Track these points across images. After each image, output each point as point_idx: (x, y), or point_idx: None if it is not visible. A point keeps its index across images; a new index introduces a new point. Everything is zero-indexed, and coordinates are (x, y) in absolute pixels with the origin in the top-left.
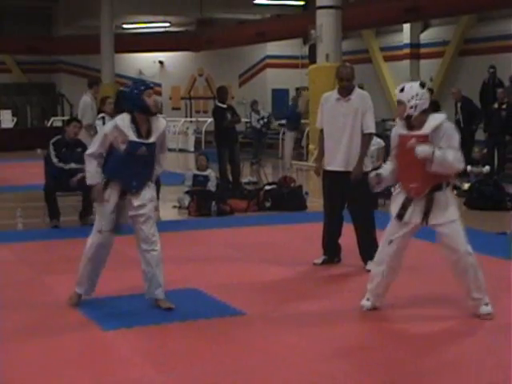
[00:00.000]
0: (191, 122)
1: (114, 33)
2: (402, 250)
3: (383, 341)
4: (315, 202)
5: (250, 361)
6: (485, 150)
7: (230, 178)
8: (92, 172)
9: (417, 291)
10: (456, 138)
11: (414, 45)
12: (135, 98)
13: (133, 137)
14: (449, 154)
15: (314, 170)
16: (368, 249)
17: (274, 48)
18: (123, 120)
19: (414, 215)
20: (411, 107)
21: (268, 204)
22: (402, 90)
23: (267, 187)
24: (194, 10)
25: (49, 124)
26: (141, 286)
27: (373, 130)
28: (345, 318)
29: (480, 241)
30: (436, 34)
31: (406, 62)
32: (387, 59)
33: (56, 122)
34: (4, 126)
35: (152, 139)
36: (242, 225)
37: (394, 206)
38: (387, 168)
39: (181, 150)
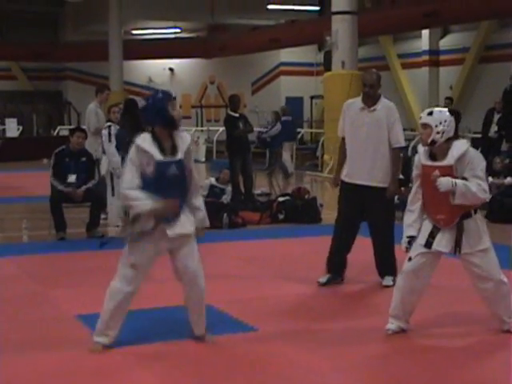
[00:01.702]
0: (202, 131)
1: (122, 39)
2: (424, 272)
3: (404, 360)
4: (330, 214)
5: (262, 379)
6: (507, 161)
7: (242, 189)
8: (142, 197)
9: (440, 310)
10: (481, 166)
11: (433, 51)
12: (160, 110)
13: (158, 156)
14: (472, 185)
15: (332, 180)
16: (387, 263)
17: (288, 55)
18: (144, 139)
19: (441, 244)
20: (438, 132)
21: (281, 216)
22: (430, 114)
23: (280, 199)
24: (205, 16)
25: (55, 133)
26: (152, 301)
27: (403, 143)
28: (361, 336)
29: (502, 255)
30: (456, 40)
31: (425, 70)
32: (405, 66)
33: (62, 130)
34: (9, 134)
35: (179, 155)
36: (255, 238)
37: (421, 234)
38: (412, 218)
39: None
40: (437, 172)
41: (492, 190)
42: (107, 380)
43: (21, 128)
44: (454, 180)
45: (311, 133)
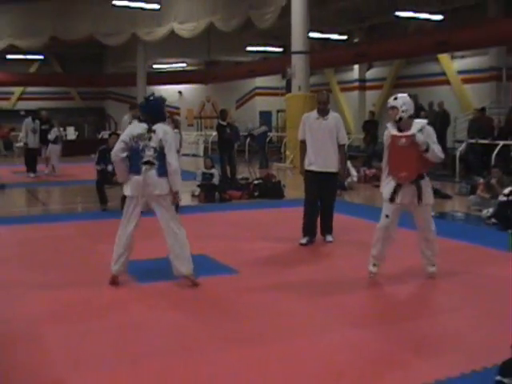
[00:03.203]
0: (201, 135)
1: (146, 71)
2: (395, 222)
3: (370, 297)
4: (290, 192)
5: (241, 309)
6: None
7: (229, 175)
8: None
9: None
10: (435, 137)
11: (362, 80)
12: (162, 109)
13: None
14: (435, 146)
15: (301, 171)
16: (330, 226)
17: (261, 81)
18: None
19: (403, 197)
20: (403, 111)
21: (256, 194)
22: (395, 99)
23: (256, 181)
24: (203, 54)
25: (100, 136)
26: (155, 254)
27: (346, 141)
28: (326, 279)
29: (407, 221)
30: (377, 72)
31: (356, 93)
32: (342, 90)
33: (105, 134)
34: (69, 138)
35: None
36: (238, 209)
37: (386, 192)
38: (384, 177)
39: (193, 155)
40: (404, 139)
41: None
42: (132, 308)
43: (77, 133)
44: (427, 141)
45: (277, 136)
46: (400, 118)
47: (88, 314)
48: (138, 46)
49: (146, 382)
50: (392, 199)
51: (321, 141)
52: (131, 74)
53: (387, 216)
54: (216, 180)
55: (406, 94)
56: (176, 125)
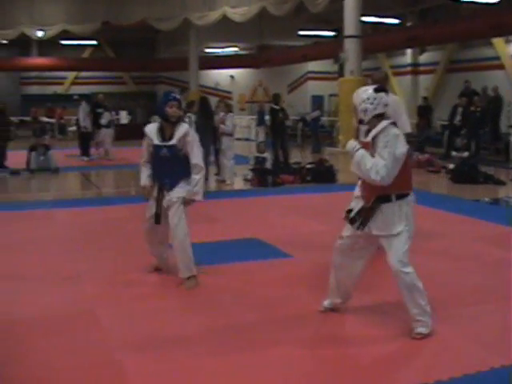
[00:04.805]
0: (253, 119)
1: (198, 55)
2: (352, 250)
3: None
4: (342, 177)
5: (291, 291)
6: (465, 141)
7: (282, 159)
8: (142, 177)
9: None
10: (391, 148)
11: (415, 64)
12: (160, 108)
13: (156, 141)
14: (369, 161)
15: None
16: None
17: (313, 66)
18: (150, 127)
19: (370, 223)
20: (361, 111)
21: (309, 178)
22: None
23: (308, 166)
24: (256, 39)
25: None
26: (207, 238)
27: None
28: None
29: (460, 206)
30: (430, 56)
31: (409, 77)
32: (395, 75)
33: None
34: (122, 122)
35: (172, 142)
36: (290, 193)
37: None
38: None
39: (246, 139)
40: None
41: (455, 161)
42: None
43: (129, 117)
44: (358, 146)
45: (329, 120)
46: (360, 120)
47: (137, 297)
48: (190, 30)
49: (185, 365)
50: (352, 221)
51: None
52: (183, 59)
53: (341, 237)
54: (268, 164)
55: (370, 87)
56: (229, 109)
